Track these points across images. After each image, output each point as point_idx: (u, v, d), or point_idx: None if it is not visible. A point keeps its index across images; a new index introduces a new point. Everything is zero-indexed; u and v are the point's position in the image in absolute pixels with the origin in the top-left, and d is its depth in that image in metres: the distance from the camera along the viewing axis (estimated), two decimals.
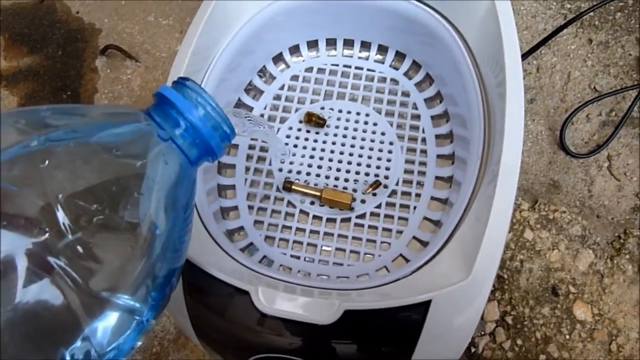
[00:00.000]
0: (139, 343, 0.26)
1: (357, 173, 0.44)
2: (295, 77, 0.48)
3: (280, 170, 0.44)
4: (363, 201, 0.43)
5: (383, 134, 0.45)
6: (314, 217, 0.43)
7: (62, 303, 0.21)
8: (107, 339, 0.23)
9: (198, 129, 0.27)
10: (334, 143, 0.45)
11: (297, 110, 0.46)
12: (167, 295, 0.27)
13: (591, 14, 0.76)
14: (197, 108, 0.27)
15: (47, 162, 0.21)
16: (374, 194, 0.43)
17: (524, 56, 0.74)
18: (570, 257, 0.64)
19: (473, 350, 0.60)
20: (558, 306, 0.62)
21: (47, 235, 0.20)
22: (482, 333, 0.61)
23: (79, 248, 0.21)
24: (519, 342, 0.60)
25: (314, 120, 0.45)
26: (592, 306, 0.62)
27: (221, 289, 0.33)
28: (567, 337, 0.60)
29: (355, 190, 0.43)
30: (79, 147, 0.22)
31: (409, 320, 0.33)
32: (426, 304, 0.32)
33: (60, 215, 0.20)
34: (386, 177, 0.43)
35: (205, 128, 0.27)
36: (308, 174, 0.44)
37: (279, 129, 0.45)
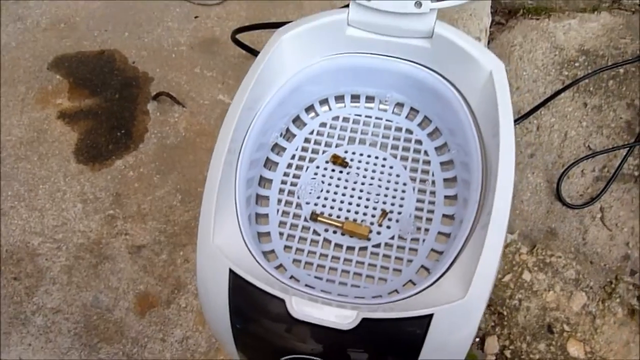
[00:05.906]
0: None
1: (374, 209, 0.51)
2: (323, 124, 0.57)
3: (308, 203, 0.52)
4: (379, 233, 0.50)
5: (398, 175, 0.53)
6: (336, 244, 0.50)
7: None
8: None
9: None
10: (355, 182, 0.53)
11: (324, 152, 0.55)
12: None
13: (586, 80, 0.86)
14: None
15: None
16: (388, 227, 0.50)
17: (526, 116, 0.82)
18: (564, 298, 0.70)
19: None
20: (553, 343, 0.67)
21: None
22: None
23: None
24: None
25: (339, 162, 0.53)
26: (584, 344, 0.67)
27: (261, 297, 0.40)
28: None
29: (372, 224, 0.50)
30: None
31: (414, 331, 0.39)
32: (429, 317, 0.39)
33: None
34: (399, 213, 0.51)
35: None
36: (332, 207, 0.51)
37: (308, 167, 0.54)
